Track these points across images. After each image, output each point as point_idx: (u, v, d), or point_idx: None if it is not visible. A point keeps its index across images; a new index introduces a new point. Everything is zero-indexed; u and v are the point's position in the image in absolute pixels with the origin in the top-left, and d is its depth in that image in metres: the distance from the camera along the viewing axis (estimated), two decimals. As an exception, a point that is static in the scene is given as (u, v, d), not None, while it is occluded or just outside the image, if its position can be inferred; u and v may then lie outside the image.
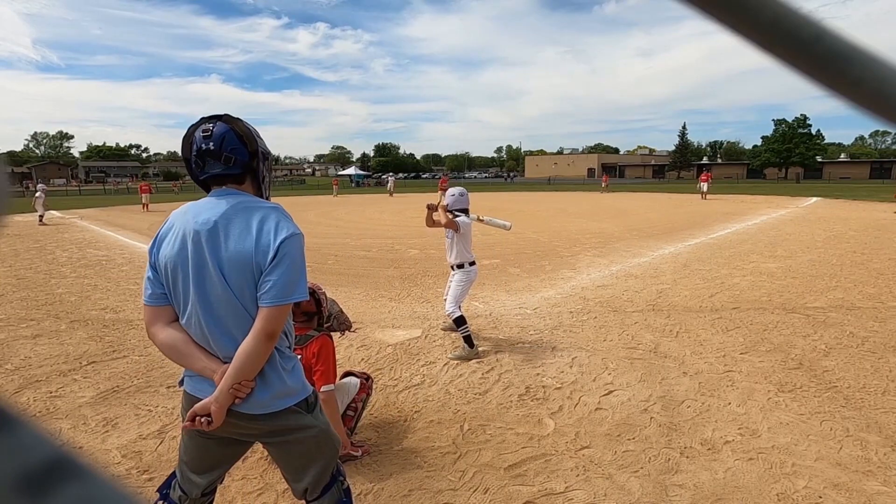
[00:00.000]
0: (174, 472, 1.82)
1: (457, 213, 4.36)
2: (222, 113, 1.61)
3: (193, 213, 1.57)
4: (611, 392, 3.58)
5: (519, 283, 7.03)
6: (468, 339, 4.25)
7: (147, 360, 4.26)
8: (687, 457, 2.77)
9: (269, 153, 1.70)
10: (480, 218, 4.65)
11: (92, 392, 3.68)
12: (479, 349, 4.35)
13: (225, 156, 1.55)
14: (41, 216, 16.33)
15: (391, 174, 46.74)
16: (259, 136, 1.64)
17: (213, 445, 1.69)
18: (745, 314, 5.39)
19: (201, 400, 1.56)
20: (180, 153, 1.64)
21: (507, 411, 3.33)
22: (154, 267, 1.58)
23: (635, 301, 6.00)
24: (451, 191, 4.48)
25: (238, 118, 1.62)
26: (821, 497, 2.41)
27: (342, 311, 3.11)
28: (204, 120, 1.59)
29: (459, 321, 4.27)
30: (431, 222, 4.45)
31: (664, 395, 3.51)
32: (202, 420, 1.52)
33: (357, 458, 2.79)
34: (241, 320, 1.53)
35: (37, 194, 16.84)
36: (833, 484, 2.51)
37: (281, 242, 1.50)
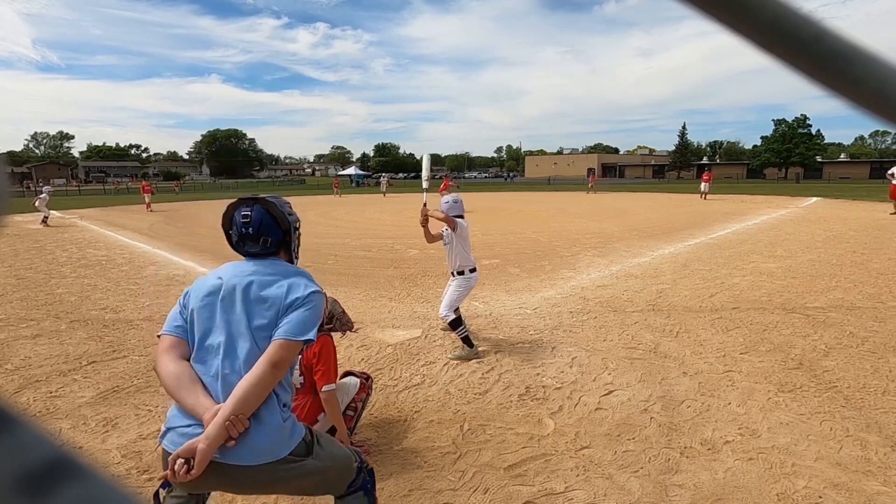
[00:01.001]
0: None
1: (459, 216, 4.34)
2: (259, 196, 1.86)
3: (233, 269, 1.79)
4: (611, 392, 3.58)
5: (519, 283, 7.03)
6: (466, 340, 4.25)
7: (147, 360, 4.26)
8: (687, 457, 2.77)
9: (298, 225, 1.96)
10: (426, 179, 4.53)
11: (92, 392, 3.68)
12: (479, 349, 4.35)
13: (262, 239, 1.80)
14: (45, 217, 15.79)
15: (384, 174, 46.87)
16: (290, 212, 1.91)
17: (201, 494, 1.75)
18: (745, 314, 5.39)
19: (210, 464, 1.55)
20: (220, 225, 1.89)
21: (507, 411, 3.33)
22: (184, 305, 1.75)
23: (635, 301, 6.00)
24: (444, 199, 4.41)
25: (272, 201, 1.85)
26: (821, 497, 2.42)
27: (344, 312, 3.11)
28: (242, 202, 1.84)
29: (455, 324, 4.24)
30: (431, 237, 4.41)
31: (664, 395, 3.52)
32: (182, 467, 1.47)
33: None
34: (252, 359, 1.63)
35: (41, 195, 16.34)
36: (833, 484, 2.51)
37: (306, 296, 1.72)
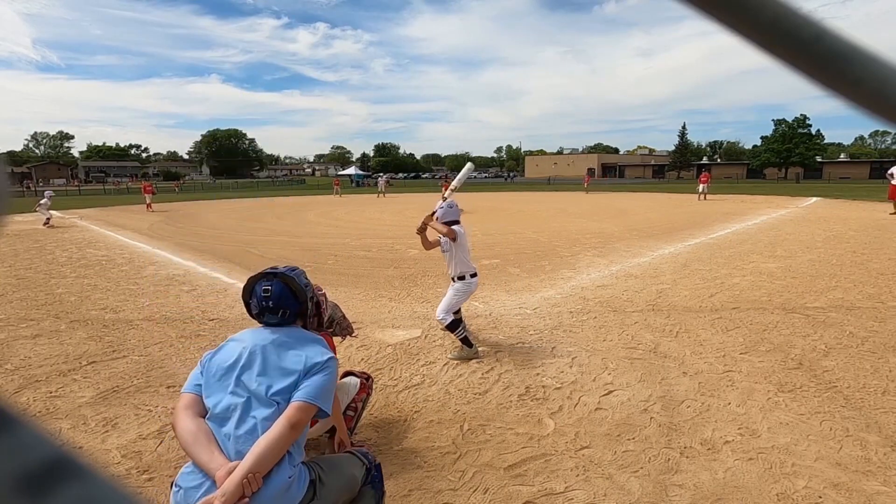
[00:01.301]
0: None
1: (449, 224, 4.23)
2: (279, 271, 2.01)
3: (253, 336, 1.91)
4: (611, 392, 3.58)
5: (519, 283, 7.03)
6: (465, 341, 4.24)
7: (147, 360, 4.27)
8: (687, 457, 2.77)
9: (313, 295, 2.10)
10: (452, 190, 4.47)
11: (92, 392, 3.68)
12: (479, 349, 4.35)
13: (281, 311, 1.95)
14: (48, 219, 15.37)
15: (381, 175, 46.95)
16: (307, 283, 2.07)
17: None
18: (745, 314, 5.39)
19: None
20: (241, 296, 2.05)
21: (507, 411, 3.33)
22: (205, 367, 1.87)
23: (635, 301, 6.00)
24: (439, 204, 4.36)
25: (292, 275, 2.00)
26: (821, 497, 2.42)
27: (344, 317, 3.11)
28: (264, 276, 1.99)
29: (452, 326, 4.21)
30: (428, 244, 4.38)
31: (664, 395, 3.52)
32: None
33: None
34: (267, 422, 1.71)
35: (42, 201, 15.90)
36: (833, 484, 2.51)
37: (324, 362, 1.84)
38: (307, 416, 1.74)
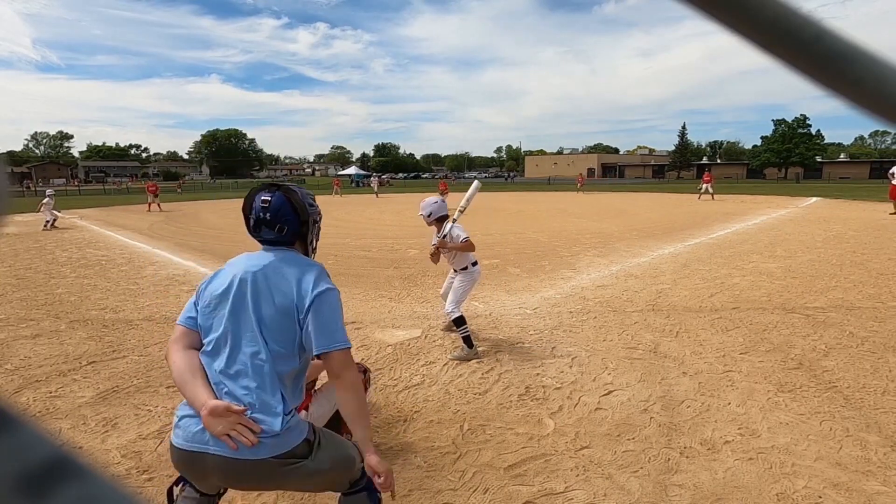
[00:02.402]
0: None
1: (439, 220, 4.30)
2: (282, 182, 1.84)
3: (246, 261, 1.77)
4: (611, 392, 3.58)
5: (519, 283, 7.03)
6: (467, 340, 4.25)
7: (147, 360, 4.26)
8: (687, 457, 2.77)
9: (318, 218, 1.93)
10: (461, 211, 4.51)
11: (92, 392, 3.68)
12: (479, 349, 4.35)
13: (279, 226, 1.77)
14: (50, 221, 14.93)
15: (375, 175, 47.05)
16: (312, 203, 1.87)
17: (209, 489, 1.73)
18: (745, 314, 5.39)
19: (190, 452, 1.57)
20: (241, 208, 1.86)
21: (507, 411, 3.33)
22: (199, 297, 1.76)
23: (635, 301, 6.00)
24: (427, 202, 4.37)
25: (295, 189, 1.83)
26: (820, 497, 2.41)
27: None
28: (265, 187, 1.82)
29: (459, 321, 4.26)
30: (438, 258, 4.42)
31: (664, 395, 3.51)
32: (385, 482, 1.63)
33: None
34: (256, 361, 1.62)
35: (44, 200, 15.41)
36: (833, 484, 2.51)
37: (317, 294, 1.67)
38: (338, 361, 1.64)
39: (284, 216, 1.77)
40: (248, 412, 1.57)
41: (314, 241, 1.93)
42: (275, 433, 1.57)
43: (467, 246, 4.19)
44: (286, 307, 1.65)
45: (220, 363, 1.63)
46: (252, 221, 1.80)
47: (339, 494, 1.85)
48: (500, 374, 3.91)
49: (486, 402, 3.47)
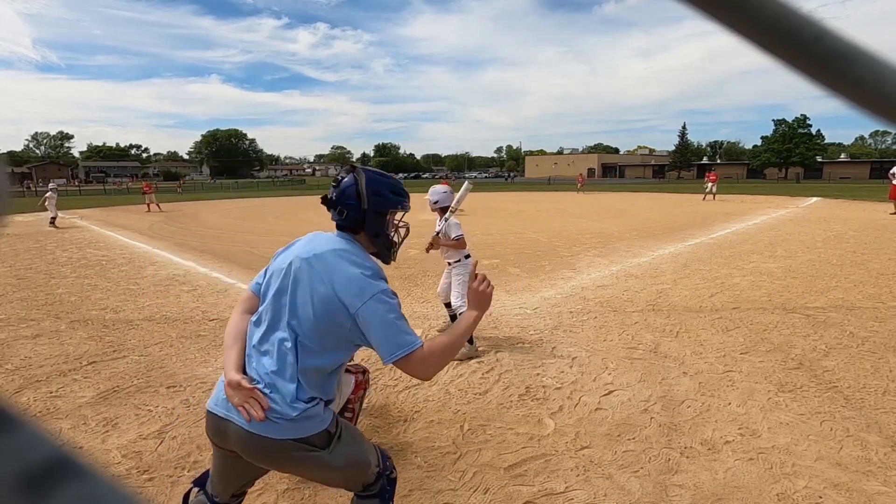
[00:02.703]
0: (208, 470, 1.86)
1: (443, 210, 4.37)
2: (358, 165, 1.76)
3: (307, 244, 1.72)
4: (611, 392, 3.58)
5: (519, 283, 7.03)
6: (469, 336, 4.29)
7: (147, 360, 4.26)
8: (687, 457, 2.77)
9: (386, 210, 1.74)
10: (451, 211, 4.54)
11: (92, 392, 3.68)
12: (479, 349, 4.36)
13: (340, 208, 1.70)
14: (53, 218, 15.34)
15: None
16: (384, 194, 1.72)
17: (235, 463, 1.69)
18: (745, 314, 5.39)
19: (216, 417, 1.59)
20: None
21: (507, 411, 3.33)
22: (267, 268, 1.77)
23: (635, 301, 6.00)
24: (437, 189, 4.46)
25: (368, 171, 1.73)
26: (821, 497, 2.41)
27: None
28: (345, 167, 1.78)
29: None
30: (430, 250, 4.46)
31: (664, 395, 3.51)
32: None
33: None
34: (283, 347, 1.58)
35: (47, 194, 15.80)
36: (833, 484, 2.51)
37: (361, 306, 1.55)
38: (411, 364, 1.57)
39: (348, 199, 1.68)
40: (266, 392, 1.55)
41: (382, 236, 1.77)
42: (289, 417, 1.53)
43: (458, 244, 4.32)
44: (325, 307, 1.57)
45: (256, 337, 1.63)
46: (327, 203, 1.75)
47: (352, 495, 1.83)
48: (500, 374, 3.91)
49: (486, 402, 3.47)
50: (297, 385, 1.56)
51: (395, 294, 1.66)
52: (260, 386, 1.55)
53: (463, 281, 4.45)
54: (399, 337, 1.57)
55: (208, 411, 1.64)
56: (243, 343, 1.66)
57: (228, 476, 1.75)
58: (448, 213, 4.45)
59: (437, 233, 4.39)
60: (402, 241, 1.87)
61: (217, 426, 1.60)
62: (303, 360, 1.58)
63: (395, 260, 1.84)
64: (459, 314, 4.39)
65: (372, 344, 1.58)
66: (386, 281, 1.67)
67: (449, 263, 4.56)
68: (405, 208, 1.79)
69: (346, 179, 1.71)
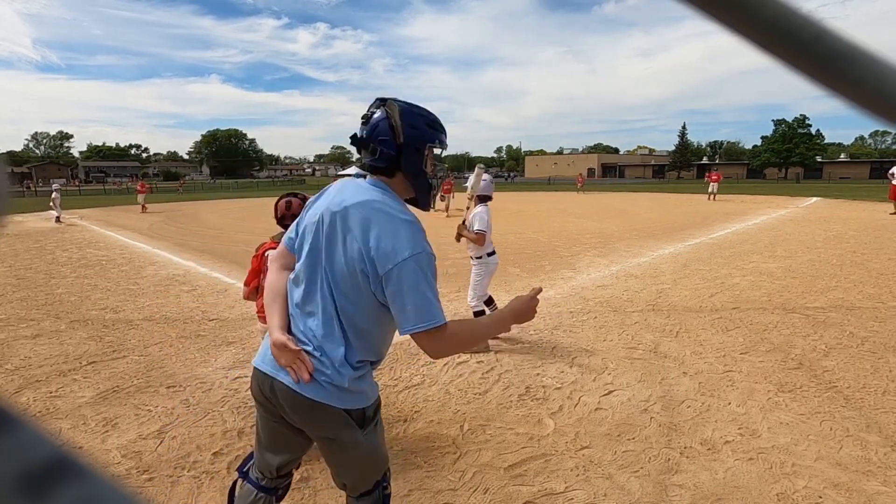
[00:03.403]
0: (252, 453, 1.81)
1: (482, 199, 4.38)
2: (389, 98, 1.55)
3: (341, 190, 1.57)
4: (611, 392, 3.58)
5: (519, 283, 7.03)
6: None
7: (147, 360, 4.26)
8: (687, 457, 2.77)
9: (423, 147, 1.54)
10: (469, 196, 4.59)
11: (92, 392, 3.68)
12: (487, 346, 4.38)
13: (372, 146, 1.51)
14: (58, 216, 16.42)
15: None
16: (421, 128, 1.53)
17: (280, 428, 1.64)
18: (745, 314, 5.39)
19: (264, 374, 1.55)
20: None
21: (507, 411, 3.33)
22: (301, 218, 1.64)
23: (635, 301, 6.00)
24: (477, 177, 4.45)
25: (400, 104, 1.52)
26: (821, 497, 2.41)
27: None
28: (376, 102, 1.56)
29: (478, 315, 4.39)
30: (459, 239, 4.49)
31: (664, 395, 3.51)
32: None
33: None
34: (325, 308, 1.49)
35: (53, 195, 16.83)
36: (833, 484, 2.51)
37: (395, 266, 1.39)
38: (430, 340, 1.44)
39: (380, 135, 1.48)
40: (316, 355, 1.49)
41: (421, 177, 1.56)
42: (337, 383, 1.48)
43: (476, 238, 4.28)
44: (355, 265, 1.44)
45: (297, 296, 1.55)
46: (356, 145, 1.58)
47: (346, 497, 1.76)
48: (500, 374, 3.91)
49: (486, 402, 3.47)
50: (346, 347, 1.48)
51: (433, 256, 1.47)
52: (309, 348, 1.49)
53: (478, 281, 4.41)
54: (427, 308, 1.41)
55: (256, 368, 1.59)
56: (284, 300, 1.59)
57: (275, 445, 1.68)
58: (468, 202, 4.45)
59: (464, 221, 4.34)
60: (440, 184, 1.68)
61: (263, 384, 1.56)
62: (347, 321, 1.49)
63: (434, 207, 1.68)
64: (474, 312, 4.43)
65: (393, 308, 1.44)
66: (425, 235, 1.48)
67: (472, 258, 4.50)
68: (443, 145, 1.61)
69: (377, 114, 1.51)
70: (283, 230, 2.83)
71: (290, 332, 1.55)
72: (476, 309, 4.45)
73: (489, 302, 4.50)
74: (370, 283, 1.44)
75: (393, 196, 1.54)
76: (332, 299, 1.49)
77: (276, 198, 3.15)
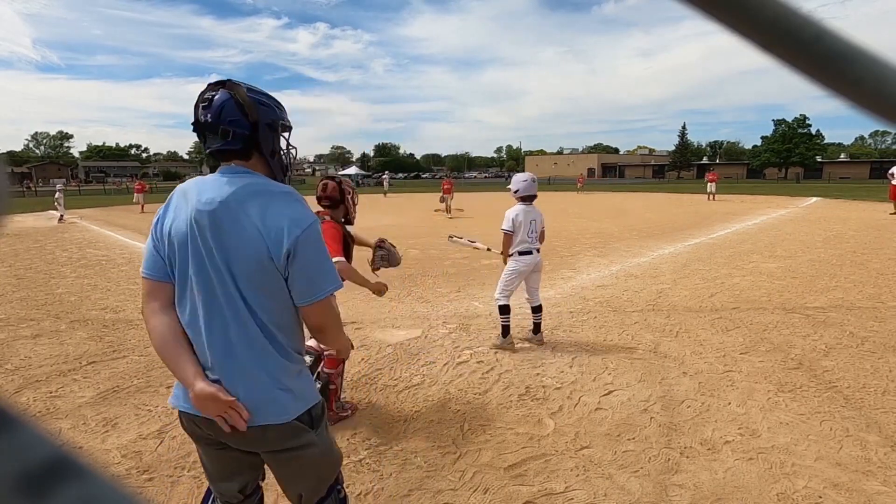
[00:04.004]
0: (208, 488, 1.69)
1: (524, 199, 4.39)
2: (227, 78, 1.45)
3: (198, 190, 1.40)
4: (611, 392, 3.58)
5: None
6: (504, 329, 4.43)
7: (147, 360, 4.26)
8: (687, 457, 2.77)
9: (282, 124, 1.50)
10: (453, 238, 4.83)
11: (92, 392, 3.68)
12: (479, 349, 4.39)
13: (222, 129, 1.38)
14: (62, 215, 17.34)
15: (387, 172, 47.84)
16: (271, 105, 1.46)
17: (226, 454, 1.52)
18: (745, 314, 5.39)
19: (199, 417, 1.40)
20: (192, 123, 1.47)
21: (507, 411, 3.33)
22: (157, 239, 1.45)
23: (635, 301, 6.00)
24: (518, 177, 4.49)
25: (242, 84, 1.43)
26: (821, 497, 2.41)
27: (393, 247, 3.48)
28: (209, 86, 1.44)
29: (501, 310, 4.43)
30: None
31: (664, 395, 3.51)
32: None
33: (350, 417, 3.22)
34: (237, 317, 1.37)
35: (56, 195, 17.99)
36: (833, 484, 2.51)
37: (297, 236, 1.34)
38: (321, 311, 1.42)
39: (228, 115, 1.38)
40: (252, 374, 1.39)
41: (279, 155, 1.51)
42: (283, 393, 1.41)
43: (503, 238, 4.39)
44: (259, 254, 1.34)
45: (200, 323, 1.38)
46: (198, 132, 1.45)
47: None
48: (500, 374, 3.91)
49: (486, 402, 3.47)
50: (275, 346, 1.41)
51: (319, 218, 1.47)
52: (234, 369, 1.38)
53: (505, 278, 4.45)
54: (333, 271, 1.43)
55: (182, 411, 1.45)
56: (188, 344, 1.42)
57: (227, 473, 1.57)
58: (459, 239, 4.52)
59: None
60: (293, 163, 1.65)
61: (197, 422, 1.44)
62: (266, 317, 1.40)
63: (290, 184, 1.56)
64: (499, 307, 4.46)
65: (301, 281, 1.38)
66: (305, 204, 1.43)
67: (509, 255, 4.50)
68: (290, 124, 1.55)
69: (218, 95, 1.39)
70: (321, 209, 3.24)
71: (205, 370, 1.40)
72: (498, 304, 4.46)
73: (506, 308, 4.41)
74: (276, 265, 1.36)
75: (259, 175, 1.44)
76: (243, 301, 1.37)
77: None
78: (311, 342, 3.33)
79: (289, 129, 1.55)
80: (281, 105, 1.52)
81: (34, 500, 0.17)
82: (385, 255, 3.42)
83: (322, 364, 3.11)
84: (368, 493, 2.49)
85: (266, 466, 1.64)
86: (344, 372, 3.28)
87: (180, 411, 1.47)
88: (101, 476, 0.19)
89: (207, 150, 1.44)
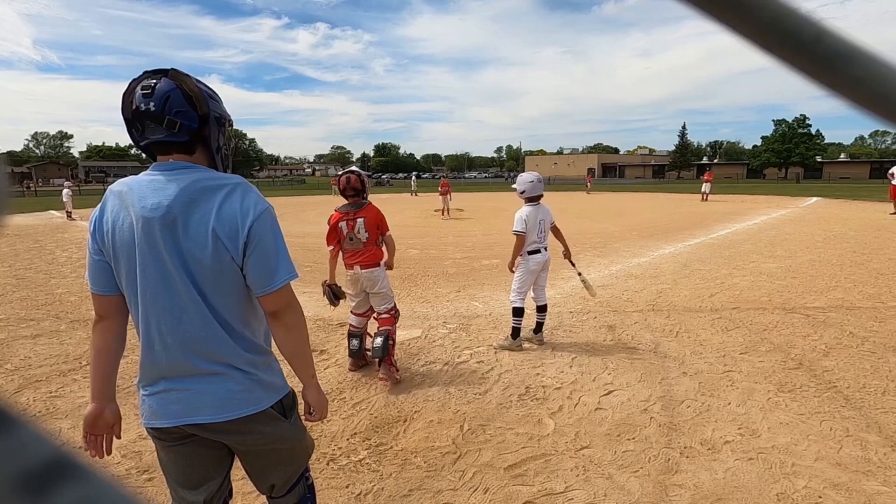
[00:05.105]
0: None
1: (530, 199, 4.44)
2: (169, 68, 1.35)
3: (138, 194, 1.31)
4: (611, 392, 3.58)
5: (519, 283, 7.02)
6: (514, 331, 4.44)
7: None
8: (687, 457, 2.77)
9: (226, 118, 1.45)
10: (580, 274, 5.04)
11: (92, 392, 3.68)
12: (479, 349, 4.38)
13: (168, 119, 1.29)
14: (69, 212, 18.34)
15: (414, 174, 47.72)
16: (214, 98, 1.41)
17: (190, 450, 1.49)
18: (745, 314, 5.39)
19: (163, 428, 1.41)
20: (121, 111, 1.34)
21: (507, 411, 3.33)
22: (98, 251, 1.35)
23: (635, 301, 6.00)
24: (523, 178, 4.50)
25: (187, 74, 1.35)
26: (820, 497, 2.41)
27: (336, 287, 3.75)
28: (147, 74, 1.33)
29: (514, 312, 4.44)
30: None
31: (664, 395, 3.51)
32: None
33: (398, 381, 3.69)
34: (202, 319, 1.34)
35: (63, 192, 19.12)
36: (833, 484, 2.51)
37: (251, 226, 1.31)
38: (279, 298, 1.38)
39: (175, 106, 1.29)
40: (223, 372, 1.39)
41: (224, 151, 1.46)
42: (256, 384, 1.42)
43: (516, 240, 4.38)
44: (217, 255, 1.30)
45: (164, 329, 1.34)
46: (132, 119, 1.31)
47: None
48: (500, 374, 3.91)
49: (486, 402, 3.47)
50: (239, 340, 1.40)
51: (272, 207, 1.43)
52: (205, 366, 1.37)
53: (517, 279, 4.46)
54: (289, 259, 1.40)
55: (154, 428, 1.43)
56: (113, 362, 1.42)
57: (192, 476, 1.52)
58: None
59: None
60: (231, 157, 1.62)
61: (172, 433, 1.43)
62: (226, 320, 1.37)
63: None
64: (514, 309, 4.45)
65: (258, 271, 1.35)
66: (257, 192, 1.39)
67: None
68: (232, 119, 1.51)
69: (162, 84, 1.29)
70: (345, 201, 3.77)
71: (163, 373, 1.39)
72: (513, 305, 4.45)
73: (519, 313, 4.42)
74: (235, 261, 1.33)
75: (204, 168, 1.38)
76: (205, 303, 1.34)
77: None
78: (352, 320, 3.95)
79: (231, 124, 1.50)
80: (221, 99, 1.47)
81: (34, 500, 0.17)
82: (329, 294, 3.67)
83: (379, 326, 3.76)
84: (368, 493, 2.49)
85: (231, 473, 1.64)
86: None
87: (157, 429, 1.44)
88: (101, 476, 0.19)
89: (144, 142, 1.34)
